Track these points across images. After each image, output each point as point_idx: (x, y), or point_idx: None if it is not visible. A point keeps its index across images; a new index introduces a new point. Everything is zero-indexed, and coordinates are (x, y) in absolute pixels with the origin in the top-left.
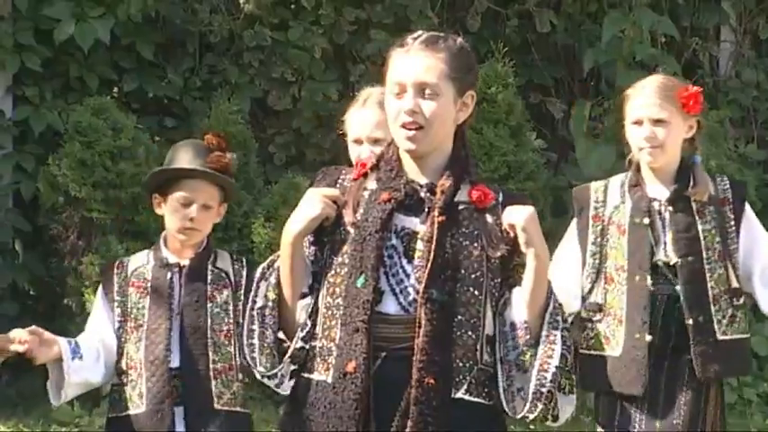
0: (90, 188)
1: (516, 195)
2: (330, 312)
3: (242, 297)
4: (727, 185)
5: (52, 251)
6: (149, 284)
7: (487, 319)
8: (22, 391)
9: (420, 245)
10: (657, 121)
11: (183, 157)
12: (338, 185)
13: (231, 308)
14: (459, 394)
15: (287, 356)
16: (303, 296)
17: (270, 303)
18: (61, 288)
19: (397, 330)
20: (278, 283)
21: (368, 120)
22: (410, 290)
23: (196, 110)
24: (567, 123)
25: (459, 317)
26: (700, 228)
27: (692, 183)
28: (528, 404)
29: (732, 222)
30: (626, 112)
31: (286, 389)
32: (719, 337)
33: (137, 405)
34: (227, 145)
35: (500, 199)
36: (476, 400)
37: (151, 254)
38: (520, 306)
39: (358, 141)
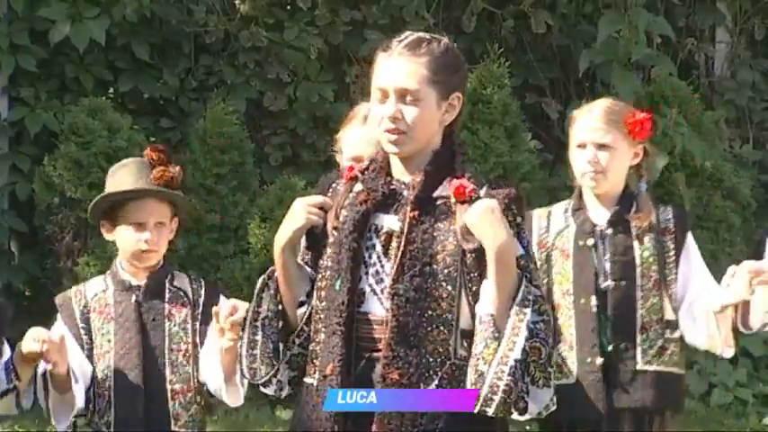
0: (86, 189)
1: (498, 187)
2: (317, 316)
3: (200, 316)
4: (670, 215)
5: (48, 252)
6: (113, 309)
7: (463, 314)
8: None
9: (395, 242)
10: (602, 146)
11: (126, 179)
12: (331, 190)
13: (189, 327)
14: (429, 389)
15: (283, 361)
16: (301, 304)
17: (270, 314)
18: (57, 289)
19: (379, 331)
20: (278, 293)
21: (371, 137)
22: (389, 289)
23: (192, 110)
24: (562, 124)
25: (430, 312)
26: (637, 253)
27: (634, 209)
28: (482, 398)
29: (672, 253)
30: (570, 134)
31: (285, 394)
32: (640, 366)
33: None
34: (169, 157)
35: (482, 193)
36: None
37: (108, 278)
38: (487, 299)
39: (357, 159)
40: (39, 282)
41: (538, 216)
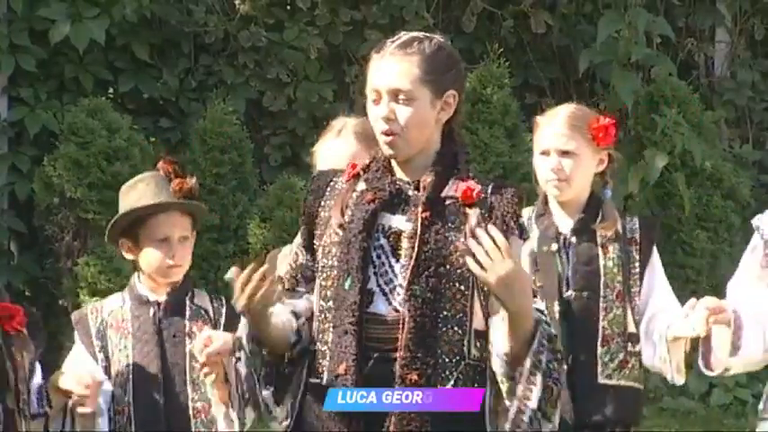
0: (85, 189)
1: (503, 187)
2: (323, 316)
3: None
4: (637, 225)
5: (47, 252)
6: (130, 324)
7: (476, 314)
8: None
9: (405, 243)
10: (565, 153)
11: (145, 194)
12: (329, 188)
13: None
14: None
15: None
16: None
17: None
18: (56, 289)
19: (389, 330)
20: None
21: (344, 150)
22: (399, 289)
23: (191, 111)
24: None
25: (445, 312)
26: (601, 263)
27: (599, 217)
28: None
29: (637, 264)
30: (534, 140)
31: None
32: (601, 380)
33: None
34: (184, 169)
35: (488, 192)
36: None
37: (126, 294)
38: (499, 337)
39: None
40: (38, 282)
41: None
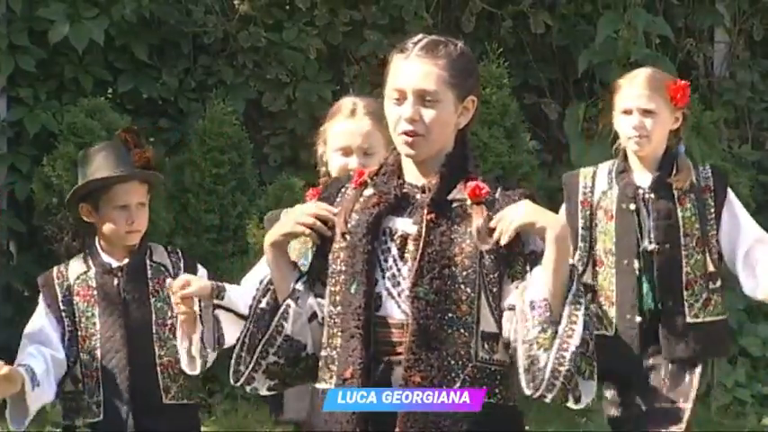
0: None
1: (512, 189)
2: (332, 321)
3: None
4: (709, 174)
5: (47, 252)
6: (95, 292)
7: (483, 316)
8: None
9: (411, 245)
10: (646, 112)
11: (106, 162)
12: (340, 196)
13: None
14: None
15: (260, 371)
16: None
17: (266, 307)
18: None
19: (398, 334)
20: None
21: (359, 130)
22: (407, 292)
23: (191, 111)
24: (561, 124)
25: (450, 314)
26: (679, 215)
27: (674, 171)
28: (545, 383)
29: (713, 209)
30: (615, 102)
31: (264, 393)
32: (689, 320)
33: (94, 413)
34: (142, 138)
35: (497, 195)
36: None
37: (90, 260)
38: (540, 285)
39: (346, 151)
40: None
41: (583, 176)
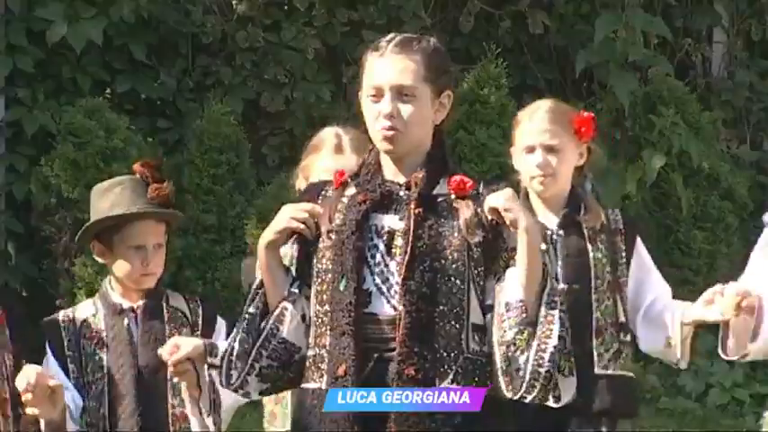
0: (82, 189)
1: (494, 182)
2: (320, 320)
3: (199, 337)
4: (619, 217)
5: (45, 252)
6: (104, 334)
7: (473, 308)
8: None
9: (400, 240)
10: (550, 149)
11: (121, 199)
12: (320, 198)
13: None
14: (445, 384)
15: (252, 374)
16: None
17: (256, 311)
18: (54, 289)
19: (388, 330)
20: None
21: (344, 167)
22: (396, 288)
23: (189, 111)
24: None
25: (441, 307)
26: (591, 255)
27: (583, 210)
28: (525, 385)
29: (623, 254)
30: (516, 138)
31: (255, 397)
32: (597, 371)
33: None
34: (161, 172)
35: (480, 189)
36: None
37: (98, 302)
38: (515, 285)
39: None
40: (36, 282)
41: None
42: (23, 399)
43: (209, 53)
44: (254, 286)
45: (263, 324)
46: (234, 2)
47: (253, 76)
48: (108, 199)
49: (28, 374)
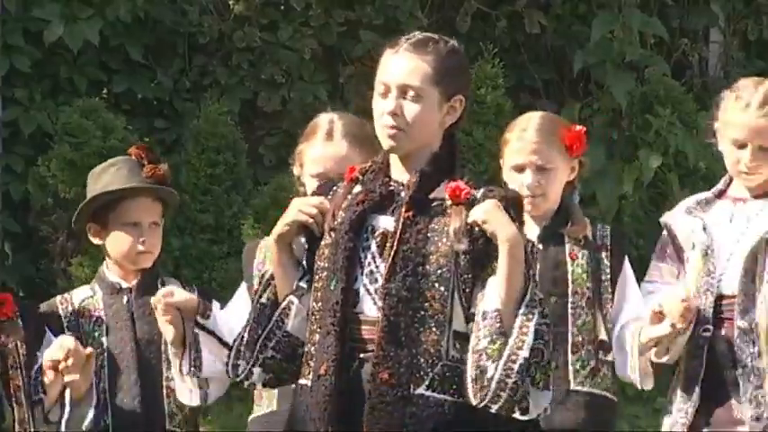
0: (80, 189)
1: (494, 190)
2: (313, 317)
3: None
4: (607, 233)
5: (42, 252)
6: (102, 313)
7: (456, 315)
8: None
9: (390, 242)
10: (541, 168)
11: (116, 178)
12: (331, 194)
13: None
14: (420, 390)
15: (257, 364)
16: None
17: (267, 302)
18: (51, 289)
19: (371, 331)
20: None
21: (335, 155)
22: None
23: (186, 111)
24: None
25: (422, 312)
26: (569, 268)
27: (569, 223)
28: (491, 394)
29: (608, 271)
30: (505, 155)
31: (260, 388)
32: (573, 387)
33: None
34: (155, 155)
35: (478, 196)
36: (440, 396)
37: (96, 285)
38: (493, 295)
39: (322, 178)
40: (33, 282)
41: None
42: (61, 367)
43: (206, 53)
44: (267, 277)
45: (271, 315)
46: (231, 2)
47: (250, 76)
48: (103, 180)
49: (64, 343)
